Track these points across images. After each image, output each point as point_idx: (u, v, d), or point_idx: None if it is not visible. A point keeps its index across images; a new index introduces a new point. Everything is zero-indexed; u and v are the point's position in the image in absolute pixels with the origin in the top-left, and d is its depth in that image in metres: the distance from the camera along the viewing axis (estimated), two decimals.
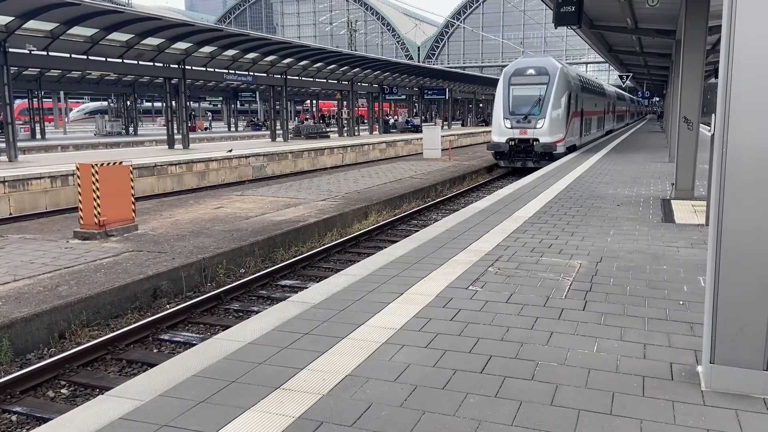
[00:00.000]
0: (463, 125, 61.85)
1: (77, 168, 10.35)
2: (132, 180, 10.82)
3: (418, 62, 77.26)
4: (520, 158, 22.36)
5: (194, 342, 6.86)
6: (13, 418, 5.33)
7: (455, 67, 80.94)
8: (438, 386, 3.65)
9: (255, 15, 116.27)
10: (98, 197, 10.13)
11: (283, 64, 29.92)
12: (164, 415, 3.32)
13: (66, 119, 54.82)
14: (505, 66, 24.19)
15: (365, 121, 49.08)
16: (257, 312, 7.66)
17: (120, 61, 22.47)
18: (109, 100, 52.01)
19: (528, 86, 22.30)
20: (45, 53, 20.12)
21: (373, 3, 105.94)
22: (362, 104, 57.13)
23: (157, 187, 18.66)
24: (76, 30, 19.67)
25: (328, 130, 41.69)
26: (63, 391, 5.85)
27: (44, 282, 7.67)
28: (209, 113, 69.77)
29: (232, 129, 54.57)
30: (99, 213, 10.16)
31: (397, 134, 42.59)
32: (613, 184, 13.39)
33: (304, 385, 3.68)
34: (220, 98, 55.57)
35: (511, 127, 22.13)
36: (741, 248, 3.37)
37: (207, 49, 24.73)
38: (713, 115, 3.99)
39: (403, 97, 48.61)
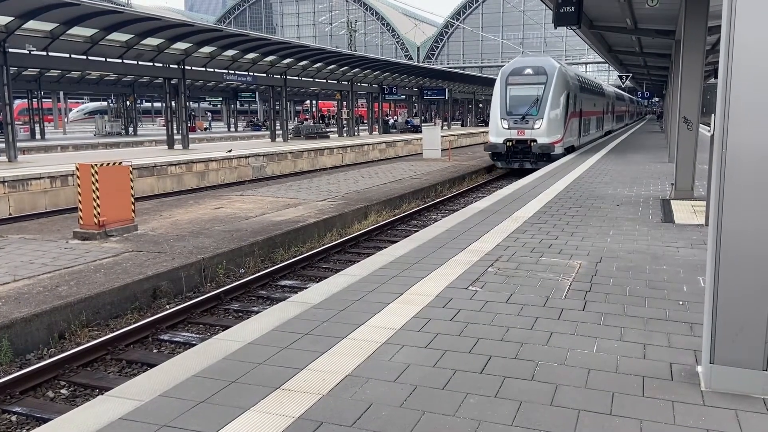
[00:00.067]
0: (462, 125, 61.86)
1: (77, 168, 10.34)
2: (132, 180, 10.82)
3: (418, 62, 77.26)
4: (518, 159, 22.07)
5: (194, 342, 6.86)
6: (13, 418, 5.33)
7: (455, 68, 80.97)
8: (438, 386, 3.65)
9: (254, 15, 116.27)
10: (98, 197, 10.13)
11: (283, 65, 29.93)
12: (164, 416, 3.32)
13: (65, 119, 54.82)
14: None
15: (365, 121, 49.09)
16: (257, 312, 7.66)
17: (120, 61, 22.47)
18: (109, 100, 52.03)
19: (525, 86, 21.97)
20: (45, 53, 20.12)
21: (372, 3, 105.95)
22: (362, 104, 57.13)
23: (157, 188, 18.66)
24: (76, 30, 19.67)
25: (327, 130, 41.68)
26: (63, 391, 5.85)
27: (44, 282, 7.67)
28: (209, 113, 69.79)
29: (232, 129, 54.56)
30: (99, 213, 10.16)
31: (397, 134, 42.60)
32: (612, 185, 13.39)
33: (304, 385, 3.68)
34: (220, 98, 55.54)
35: (509, 128, 21.84)
36: (741, 248, 3.38)
37: (207, 49, 24.73)
38: (713, 115, 3.99)
39: (403, 97, 48.63)
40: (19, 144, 21.58)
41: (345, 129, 39.02)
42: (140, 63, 23.32)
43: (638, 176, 15.02)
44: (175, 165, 19.52)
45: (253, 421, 3.26)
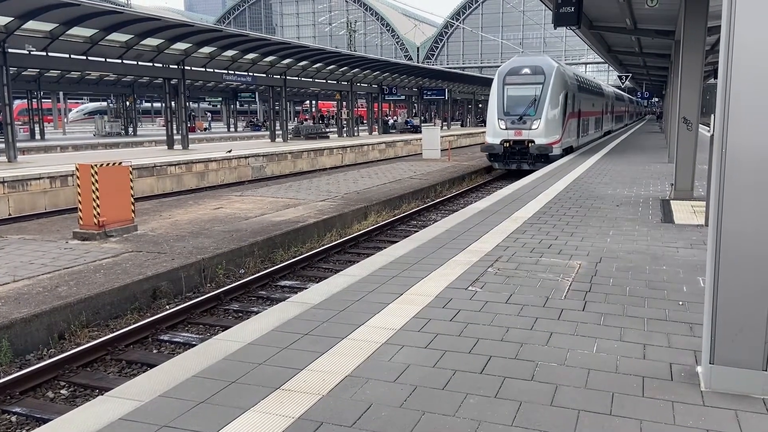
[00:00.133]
0: (462, 126, 61.87)
1: (77, 168, 10.34)
2: (131, 180, 10.82)
3: (418, 63, 77.26)
4: (515, 160, 21.74)
5: (194, 342, 6.86)
6: (13, 418, 5.33)
7: (454, 68, 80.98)
8: (438, 387, 3.65)
9: (254, 15, 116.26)
10: (98, 198, 10.13)
11: (283, 65, 29.93)
12: (164, 416, 3.32)
13: (65, 120, 54.82)
14: None
15: (364, 121, 49.10)
16: (257, 313, 7.66)
17: (119, 61, 22.47)
18: (109, 100, 52.03)
19: (523, 86, 21.64)
20: (44, 54, 20.12)
21: (372, 3, 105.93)
22: (361, 105, 57.15)
23: (157, 188, 18.66)
24: (76, 30, 19.68)
25: (327, 130, 41.69)
26: (62, 391, 5.85)
27: (44, 282, 7.67)
28: (208, 114, 69.79)
29: (232, 129, 54.56)
30: (98, 213, 10.16)
31: (397, 135, 42.61)
32: (612, 185, 13.39)
33: (304, 385, 3.68)
34: (220, 99, 55.58)
35: (506, 128, 21.50)
36: (740, 249, 3.38)
37: (206, 49, 24.73)
38: (712, 116, 4.00)
39: (403, 97, 48.66)
40: (18, 144, 21.58)
41: (345, 129, 39.03)
42: (140, 63, 23.33)
43: (638, 176, 15.02)
44: (175, 165, 19.52)
45: (253, 422, 3.26)
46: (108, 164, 10.43)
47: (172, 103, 27.37)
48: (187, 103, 31.25)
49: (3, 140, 19.72)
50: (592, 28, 18.43)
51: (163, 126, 32.51)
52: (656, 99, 74.98)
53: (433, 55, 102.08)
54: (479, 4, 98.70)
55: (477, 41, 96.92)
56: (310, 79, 34.14)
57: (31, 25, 18.34)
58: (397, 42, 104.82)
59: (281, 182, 19.57)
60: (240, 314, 7.92)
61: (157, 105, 70.09)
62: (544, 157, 21.04)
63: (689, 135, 11.17)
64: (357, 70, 35.56)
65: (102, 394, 3.72)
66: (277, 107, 33.46)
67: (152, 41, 22.08)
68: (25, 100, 38.81)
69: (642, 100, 70.45)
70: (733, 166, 3.34)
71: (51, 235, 10.75)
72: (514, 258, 6.84)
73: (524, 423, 3.22)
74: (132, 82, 41.27)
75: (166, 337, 7.07)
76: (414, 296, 5.41)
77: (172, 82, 26.48)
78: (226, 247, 9.65)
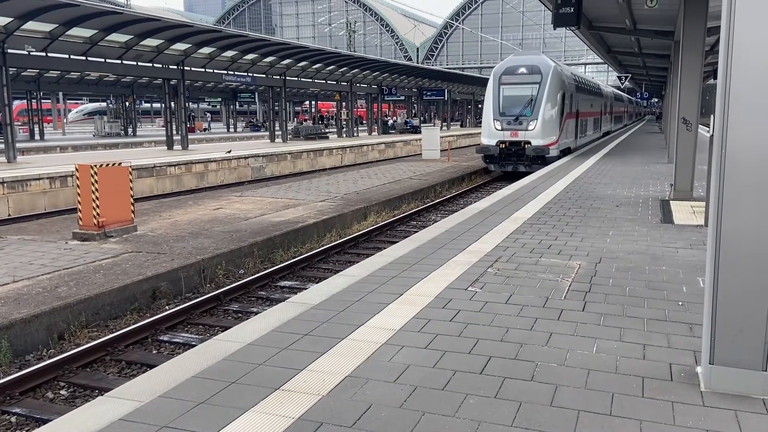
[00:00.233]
0: (462, 126, 61.90)
1: (76, 169, 10.34)
2: (131, 181, 10.81)
3: (417, 63, 77.27)
4: (511, 162, 21.22)
5: (194, 343, 6.86)
6: (13, 419, 5.32)
7: (454, 68, 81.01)
8: (438, 387, 3.65)
9: (254, 16, 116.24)
10: (97, 198, 10.13)
11: (282, 65, 29.94)
12: (164, 416, 3.32)
13: (65, 120, 54.81)
14: None
15: (364, 122, 49.12)
16: (257, 313, 7.67)
17: (119, 62, 22.47)
18: (108, 101, 52.02)
19: (519, 86, 21.07)
20: (44, 54, 20.12)
21: (371, 4, 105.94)
22: (361, 105, 57.18)
23: (156, 188, 18.66)
24: (75, 31, 19.68)
25: (326, 131, 41.71)
26: (62, 392, 5.85)
27: (43, 283, 7.67)
28: (208, 114, 69.79)
29: (231, 130, 54.57)
30: (98, 214, 10.15)
31: (396, 135, 42.62)
32: (612, 185, 13.40)
33: (304, 386, 3.68)
34: (219, 99, 55.60)
35: (502, 129, 20.98)
36: (740, 249, 3.38)
37: (206, 50, 24.74)
38: (712, 116, 4.00)
39: (402, 98, 48.70)
40: (18, 145, 21.58)
41: (344, 130, 39.04)
42: (139, 64, 23.34)
43: (637, 177, 15.03)
44: (175, 166, 19.52)
45: (253, 422, 3.26)
46: (107, 165, 10.42)
47: (172, 103, 27.37)
48: (187, 104, 31.27)
49: (2, 141, 19.71)
50: (591, 28, 18.43)
51: (163, 126, 32.51)
52: (656, 99, 75.04)
53: (432, 55, 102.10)
54: (479, 5, 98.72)
55: (476, 42, 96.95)
56: (310, 80, 34.16)
57: (30, 25, 18.34)
58: (396, 42, 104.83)
59: (281, 183, 19.57)
60: (240, 315, 7.91)
61: (156, 105, 70.11)
62: (540, 158, 20.58)
63: (689, 135, 11.17)
64: (356, 70, 35.57)
65: (102, 395, 3.72)
66: (276, 108, 33.46)
67: (152, 42, 22.09)
68: (25, 101, 38.80)
69: (641, 100, 70.53)
70: (733, 166, 3.34)
71: (50, 235, 10.75)
72: (514, 258, 6.84)
73: (524, 423, 3.22)
74: (131, 83, 41.28)
75: (165, 338, 7.07)
76: (414, 297, 5.41)
77: (171, 83, 26.49)
78: (226, 248, 9.65)
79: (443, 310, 5.06)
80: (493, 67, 22.56)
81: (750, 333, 3.42)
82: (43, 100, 42.94)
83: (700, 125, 12.64)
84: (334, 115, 49.31)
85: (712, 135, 3.70)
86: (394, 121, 51.79)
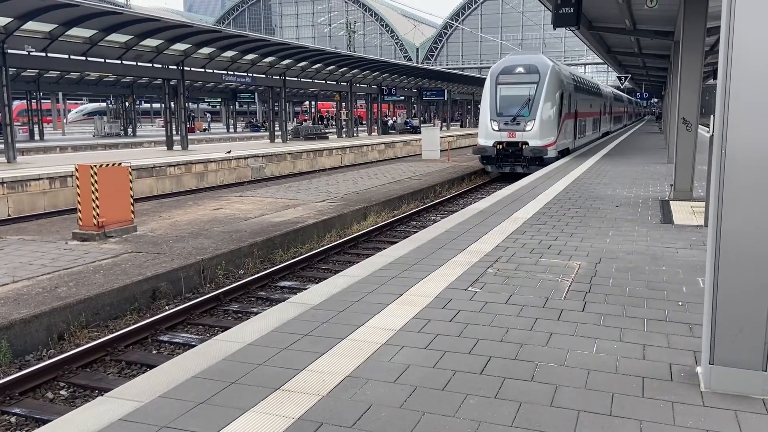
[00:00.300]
0: (461, 126, 61.92)
1: (76, 169, 10.34)
2: (131, 181, 10.81)
3: (417, 63, 77.29)
4: (509, 163, 20.86)
5: (194, 343, 6.86)
6: (12, 419, 5.32)
7: (454, 68, 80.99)
8: (438, 387, 3.65)
9: (253, 16, 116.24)
10: (97, 198, 10.13)
11: (282, 65, 29.95)
12: (164, 417, 3.32)
13: (64, 120, 54.80)
14: None
15: (364, 122, 49.13)
16: (256, 313, 7.66)
17: (119, 62, 22.48)
18: (108, 101, 52.04)
19: (517, 85, 20.70)
20: (44, 54, 20.13)
21: (371, 4, 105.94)
22: (361, 105, 57.20)
23: (156, 189, 18.66)
24: (75, 31, 19.68)
25: (326, 131, 41.72)
26: (62, 392, 5.84)
27: (43, 283, 7.67)
28: (208, 114, 69.79)
29: (231, 130, 54.57)
30: (98, 214, 10.15)
31: (396, 135, 42.62)
32: (611, 185, 13.40)
33: (304, 386, 3.68)
34: (219, 99, 55.60)
35: (499, 130, 20.61)
36: (740, 249, 3.38)
37: (206, 50, 24.74)
38: (712, 116, 4.00)
39: (402, 98, 48.71)
40: (17, 145, 21.58)
41: (344, 130, 39.04)
42: (139, 64, 23.35)
43: (637, 177, 15.03)
44: (174, 166, 19.52)
45: (253, 422, 3.26)
46: (107, 165, 10.42)
47: (172, 103, 27.37)
48: (187, 104, 31.26)
49: (2, 141, 19.71)
50: (591, 28, 18.43)
51: (163, 127, 32.51)
52: (655, 99, 75.06)
53: (432, 55, 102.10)
54: (479, 5, 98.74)
55: (476, 42, 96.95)
56: (310, 80, 34.16)
57: (30, 25, 18.35)
58: (396, 43, 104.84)
59: (281, 183, 19.57)
60: (239, 315, 7.91)
61: (156, 106, 70.12)
62: (538, 159, 20.26)
63: (688, 135, 11.18)
64: (356, 70, 35.57)
65: (102, 395, 3.72)
66: (276, 108, 33.47)
67: (151, 42, 22.09)
68: (25, 101, 38.80)
69: (641, 100, 70.53)
70: (733, 165, 3.34)
71: (50, 235, 10.75)
72: (514, 258, 6.84)
73: (524, 423, 3.22)
74: (131, 83, 41.29)
75: (165, 338, 7.06)
76: (414, 297, 5.41)
77: (171, 83, 26.49)
78: (226, 248, 9.65)
79: (443, 310, 5.06)
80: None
81: (750, 333, 3.42)
82: (42, 101, 42.94)
83: (699, 125, 12.64)
84: (334, 116, 49.33)
85: (712, 135, 3.70)
86: (394, 122, 51.81)
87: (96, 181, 10.12)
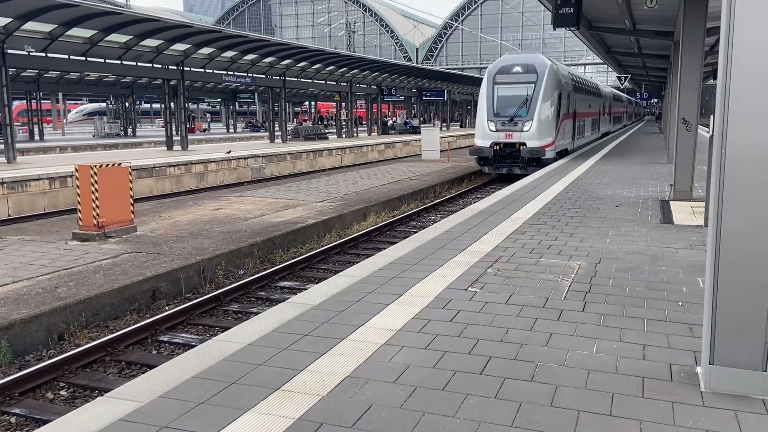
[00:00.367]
0: (461, 126, 61.92)
1: (76, 169, 10.34)
2: (131, 181, 10.81)
3: (417, 63, 77.31)
4: (506, 164, 20.51)
5: (193, 343, 6.85)
6: (12, 419, 5.32)
7: (454, 69, 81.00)
8: (438, 387, 3.65)
9: (253, 16, 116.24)
10: (97, 199, 10.13)
11: (282, 66, 29.95)
12: (164, 417, 3.32)
13: (64, 120, 54.80)
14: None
15: (364, 122, 49.14)
16: (256, 313, 7.66)
17: (119, 62, 22.48)
18: (108, 101, 52.04)
19: (514, 85, 20.40)
20: (43, 54, 20.13)
21: (371, 4, 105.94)
22: (361, 105, 57.20)
23: (156, 189, 18.66)
24: (75, 31, 19.68)
25: (326, 131, 41.72)
26: (62, 392, 5.84)
27: (43, 283, 7.67)
28: (208, 114, 69.80)
29: (231, 130, 54.57)
30: (98, 214, 10.15)
31: (396, 135, 42.63)
32: (611, 186, 13.40)
33: (304, 386, 3.68)
34: (219, 99, 55.61)
35: (496, 130, 20.28)
36: (740, 248, 3.38)
37: (206, 50, 24.74)
38: (712, 116, 4.00)
39: (402, 98, 48.70)
40: (17, 145, 21.57)
41: (344, 130, 39.04)
42: (139, 64, 23.35)
43: (637, 177, 15.03)
44: (174, 166, 19.52)
45: (253, 422, 3.26)
46: (107, 165, 10.42)
47: (172, 104, 27.38)
48: (187, 104, 31.26)
49: (2, 141, 19.71)
50: (591, 29, 18.44)
51: (163, 127, 32.51)
52: (655, 100, 75.07)
53: (432, 55, 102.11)
54: (478, 5, 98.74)
55: (476, 42, 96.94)
56: (309, 80, 34.17)
57: (30, 25, 18.35)
58: (396, 43, 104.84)
59: (280, 183, 19.57)
60: (239, 315, 7.91)
61: (156, 106, 70.12)
62: (536, 160, 19.93)
63: (688, 136, 11.18)
64: (356, 71, 35.57)
65: (102, 395, 3.71)
66: (276, 108, 33.47)
67: (151, 42, 22.09)
68: (24, 101, 38.80)
69: (641, 100, 70.54)
70: (733, 165, 3.34)
71: (50, 236, 10.75)
72: (514, 259, 6.84)
73: (524, 424, 3.22)
74: (131, 83, 41.28)
75: (165, 338, 7.06)
76: (414, 297, 5.41)
77: (171, 83, 26.49)
78: (226, 248, 9.65)
79: (443, 310, 5.06)
80: None
81: (750, 333, 3.42)
82: (42, 101, 42.93)
83: (699, 125, 12.64)
84: (334, 116, 49.34)
85: (712, 135, 3.70)
86: (394, 122, 51.82)
87: (96, 182, 10.12)
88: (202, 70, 26.28)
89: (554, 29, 13.76)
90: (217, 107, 65.36)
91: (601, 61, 40.71)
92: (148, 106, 73.00)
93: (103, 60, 21.75)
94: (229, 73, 27.72)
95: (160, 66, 23.96)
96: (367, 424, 3.22)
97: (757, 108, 3.28)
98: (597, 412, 3.33)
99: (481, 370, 3.89)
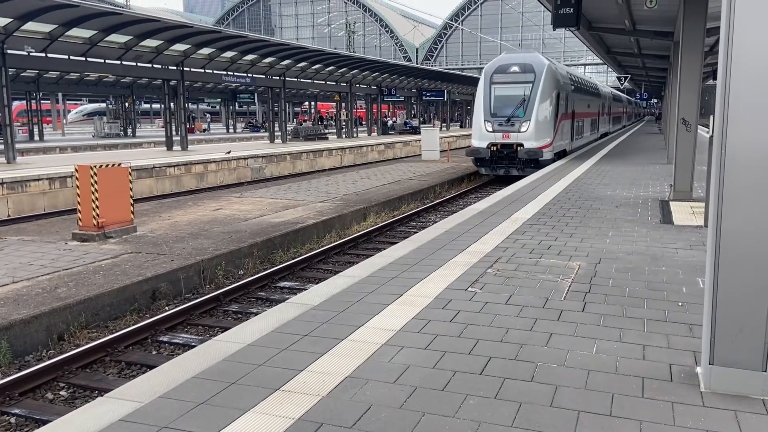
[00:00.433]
0: (461, 127, 61.91)
1: (76, 170, 10.34)
2: (131, 182, 10.81)
3: (417, 64, 77.31)
4: (503, 165, 20.14)
5: (193, 344, 6.85)
6: (12, 420, 5.32)
7: (453, 69, 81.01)
8: (438, 387, 3.65)
9: (253, 16, 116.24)
10: (97, 199, 10.13)
11: (282, 66, 29.95)
12: (164, 417, 3.32)
13: (64, 121, 54.80)
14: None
15: (363, 122, 49.14)
16: (256, 314, 7.66)
17: (118, 62, 22.48)
18: (108, 101, 52.03)
19: (511, 85, 20.05)
20: (43, 55, 20.13)
21: (371, 5, 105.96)
22: (360, 106, 57.20)
23: (156, 189, 18.66)
24: (75, 32, 19.68)
25: (326, 131, 41.72)
26: (62, 393, 5.84)
27: (43, 284, 7.66)
28: (208, 115, 69.81)
29: (231, 130, 54.56)
30: (98, 215, 10.15)
31: (396, 136, 42.64)
32: (611, 186, 13.40)
33: (304, 386, 3.68)
34: (219, 100, 55.60)
35: (493, 131, 19.93)
36: (740, 248, 3.38)
37: (205, 50, 24.74)
38: (711, 116, 4.00)
39: (402, 98, 48.69)
40: (17, 145, 21.57)
41: (344, 130, 39.04)
42: (139, 64, 23.35)
43: (637, 178, 15.04)
44: (174, 166, 19.52)
45: (253, 423, 3.26)
46: (107, 165, 10.42)
47: (171, 104, 27.38)
48: (186, 105, 31.26)
49: (2, 141, 19.71)
50: (591, 29, 18.43)
51: (162, 127, 32.52)
52: (655, 100, 75.08)
53: (432, 56, 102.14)
54: (478, 5, 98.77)
55: (476, 42, 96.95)
56: (309, 80, 34.16)
57: (30, 26, 18.35)
58: (396, 43, 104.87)
59: (280, 183, 19.57)
60: (239, 315, 7.91)
61: (156, 106, 70.12)
62: (534, 161, 19.60)
63: (688, 136, 11.18)
64: (356, 71, 35.57)
65: (101, 396, 3.71)
66: (276, 108, 33.47)
67: (151, 42, 22.09)
68: (24, 101, 38.80)
69: (641, 101, 70.56)
70: (733, 165, 3.34)
71: (50, 236, 10.75)
72: (514, 259, 6.84)
73: (524, 424, 3.22)
74: (131, 83, 41.27)
75: (165, 339, 7.06)
76: (413, 297, 5.41)
77: (171, 83, 26.48)
78: (226, 249, 9.65)
79: (443, 310, 5.06)
80: None
81: (750, 333, 3.42)
82: (42, 101, 42.92)
83: (699, 126, 12.64)
84: (334, 116, 49.33)
85: (712, 135, 3.70)
86: (394, 122, 51.83)
87: (96, 182, 10.12)
88: (202, 71, 26.28)
89: (554, 29, 13.76)
90: (217, 107, 65.37)
91: (601, 62, 40.71)
92: (147, 106, 73.00)
93: (102, 60, 21.75)
94: (228, 73, 27.72)
95: (159, 66, 23.96)
96: (367, 425, 3.22)
97: (757, 108, 3.28)
98: (597, 413, 3.33)
99: (481, 371, 3.89)
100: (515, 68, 20.32)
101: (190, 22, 24.43)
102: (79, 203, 10.30)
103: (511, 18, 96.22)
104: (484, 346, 4.28)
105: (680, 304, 5.18)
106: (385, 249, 8.61)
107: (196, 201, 15.18)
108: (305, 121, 59.73)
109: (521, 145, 19.70)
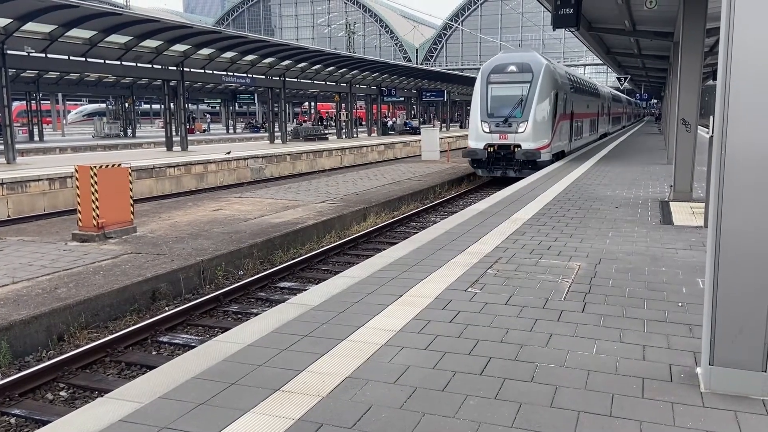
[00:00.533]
0: (461, 127, 61.89)
1: (76, 170, 10.34)
2: (130, 182, 10.81)
3: (416, 64, 77.32)
4: (500, 166, 19.78)
5: (193, 344, 6.85)
6: (12, 420, 5.32)
7: (453, 69, 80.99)
8: (438, 388, 3.65)
9: (253, 17, 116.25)
10: (97, 199, 10.13)
11: (282, 66, 29.95)
12: (164, 418, 3.32)
13: (64, 121, 54.79)
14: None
15: (363, 123, 49.15)
16: (256, 314, 7.66)
17: (118, 63, 22.48)
18: (108, 102, 52.02)
19: (509, 85, 19.70)
20: (43, 55, 20.13)
21: (371, 5, 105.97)
22: (360, 106, 57.22)
23: (156, 189, 18.66)
24: (75, 32, 19.68)
25: (326, 132, 41.73)
26: (62, 393, 5.84)
27: (43, 284, 7.66)
28: (208, 115, 69.80)
29: (231, 131, 54.56)
30: (98, 215, 10.15)
31: (396, 136, 42.64)
32: (611, 186, 13.40)
33: (304, 387, 3.68)
34: (219, 100, 55.61)
35: (490, 132, 19.56)
36: (740, 249, 3.38)
37: (205, 51, 24.74)
38: (711, 117, 4.00)
39: (402, 99, 48.69)
40: (17, 146, 21.57)
41: (344, 131, 39.05)
42: (139, 65, 23.35)
43: (637, 178, 15.04)
44: (174, 167, 19.52)
45: (253, 423, 3.26)
46: (107, 166, 10.42)
47: (171, 104, 27.38)
48: (186, 105, 31.26)
49: (2, 142, 19.71)
50: (590, 29, 18.44)
51: (162, 128, 32.52)
52: (655, 100, 75.08)
53: (432, 56, 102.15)
54: (478, 6, 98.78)
55: (476, 43, 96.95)
56: (309, 81, 34.16)
57: (30, 26, 18.35)
58: (395, 43, 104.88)
59: (280, 184, 19.57)
60: (239, 316, 7.91)
61: (156, 106, 70.10)
62: (531, 163, 19.20)
63: (688, 136, 11.18)
64: (356, 71, 35.58)
65: (101, 396, 3.71)
66: (276, 109, 33.47)
67: (151, 43, 22.09)
68: (24, 102, 38.80)
69: (640, 101, 70.54)
70: (733, 165, 3.34)
71: (50, 236, 10.74)
72: (514, 259, 6.84)
73: (524, 424, 3.22)
74: (131, 84, 41.27)
75: (165, 339, 7.06)
76: (413, 298, 5.41)
77: (171, 84, 26.49)
78: (226, 249, 9.65)
79: (443, 311, 5.06)
80: None
81: (750, 333, 3.42)
82: (42, 101, 42.92)
83: (699, 126, 12.64)
84: (334, 116, 49.34)
85: (712, 135, 3.70)
86: (394, 122, 51.84)
87: (96, 182, 10.12)
88: (202, 71, 26.28)
89: (554, 30, 13.76)
90: (217, 108, 65.39)
91: (601, 62, 40.69)
92: (147, 106, 72.97)
93: (102, 61, 21.75)
94: (228, 73, 27.72)
95: (159, 67, 23.96)
96: (367, 425, 3.22)
97: (757, 108, 3.28)
98: (597, 413, 3.33)
99: (481, 371, 3.89)
100: (512, 68, 20.01)
101: (190, 22, 24.42)
102: (79, 204, 10.30)
103: (511, 18, 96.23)
104: (484, 347, 4.28)
105: (680, 304, 5.18)
106: (385, 249, 8.60)
107: (196, 201, 15.17)
108: (305, 121, 59.73)
109: (519, 146, 19.38)
